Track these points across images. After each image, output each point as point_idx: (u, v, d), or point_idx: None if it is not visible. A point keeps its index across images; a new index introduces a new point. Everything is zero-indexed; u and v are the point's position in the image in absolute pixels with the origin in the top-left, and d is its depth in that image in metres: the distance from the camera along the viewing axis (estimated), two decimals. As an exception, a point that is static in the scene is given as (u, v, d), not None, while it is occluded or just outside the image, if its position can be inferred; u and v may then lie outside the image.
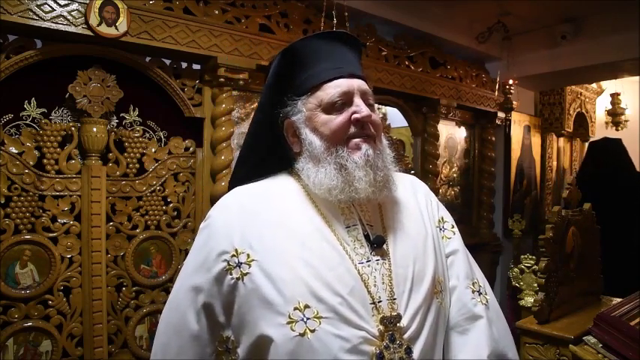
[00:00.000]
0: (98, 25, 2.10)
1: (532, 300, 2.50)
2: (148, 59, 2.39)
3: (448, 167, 4.19)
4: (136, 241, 2.35)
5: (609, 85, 5.98)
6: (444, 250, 1.16)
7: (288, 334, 0.92)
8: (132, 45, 2.25)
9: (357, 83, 1.08)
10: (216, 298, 1.01)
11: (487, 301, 1.13)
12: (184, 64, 2.54)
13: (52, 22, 2.01)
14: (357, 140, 1.05)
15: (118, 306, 2.32)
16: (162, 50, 2.36)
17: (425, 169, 3.84)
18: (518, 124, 4.80)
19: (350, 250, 1.03)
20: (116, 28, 2.14)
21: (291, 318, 0.93)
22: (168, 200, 2.49)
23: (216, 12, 2.52)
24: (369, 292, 0.98)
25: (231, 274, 0.99)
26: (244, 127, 2.69)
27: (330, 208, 1.07)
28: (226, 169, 2.55)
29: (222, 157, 2.55)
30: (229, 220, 1.05)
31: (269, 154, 1.17)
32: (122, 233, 2.33)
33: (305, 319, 0.93)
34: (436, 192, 3.84)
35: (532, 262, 2.86)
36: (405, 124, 3.99)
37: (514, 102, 4.36)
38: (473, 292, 1.12)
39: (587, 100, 5.72)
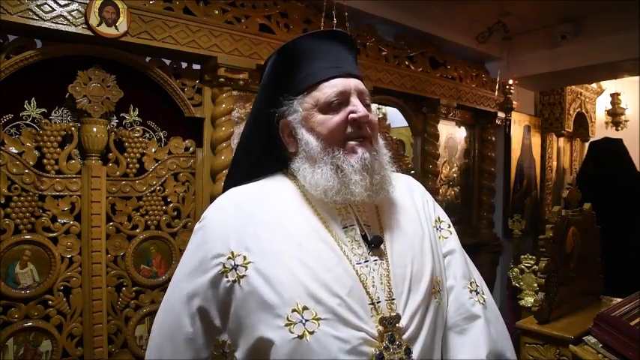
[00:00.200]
0: (98, 25, 2.10)
1: (532, 300, 2.51)
2: (148, 59, 2.39)
3: (448, 167, 4.18)
4: (136, 241, 2.35)
5: (609, 85, 5.97)
6: (441, 250, 1.16)
7: (287, 337, 0.91)
8: (132, 45, 2.25)
9: (354, 83, 1.07)
10: (211, 302, 0.99)
11: (485, 301, 1.13)
12: (184, 64, 2.54)
13: (52, 22, 2.01)
14: (353, 143, 1.04)
15: (118, 306, 2.32)
16: (162, 50, 2.36)
17: (425, 169, 3.83)
18: (518, 124, 4.79)
19: (347, 250, 1.02)
20: (116, 28, 2.14)
21: (289, 320, 0.92)
22: (168, 200, 2.49)
23: (216, 12, 2.52)
24: (367, 292, 0.97)
25: (226, 277, 0.97)
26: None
27: (327, 208, 1.06)
28: (226, 170, 2.53)
29: (222, 157, 2.55)
30: (225, 222, 1.03)
31: (264, 154, 1.16)
32: (122, 233, 2.33)
33: (304, 321, 0.92)
34: (436, 192, 3.84)
35: (532, 262, 2.86)
36: (405, 124, 3.98)
37: (514, 102, 4.35)
38: (470, 291, 1.12)
39: (587, 100, 5.71)
